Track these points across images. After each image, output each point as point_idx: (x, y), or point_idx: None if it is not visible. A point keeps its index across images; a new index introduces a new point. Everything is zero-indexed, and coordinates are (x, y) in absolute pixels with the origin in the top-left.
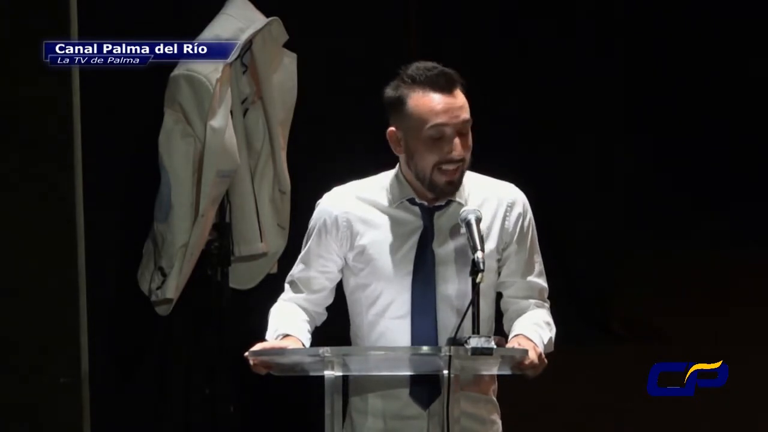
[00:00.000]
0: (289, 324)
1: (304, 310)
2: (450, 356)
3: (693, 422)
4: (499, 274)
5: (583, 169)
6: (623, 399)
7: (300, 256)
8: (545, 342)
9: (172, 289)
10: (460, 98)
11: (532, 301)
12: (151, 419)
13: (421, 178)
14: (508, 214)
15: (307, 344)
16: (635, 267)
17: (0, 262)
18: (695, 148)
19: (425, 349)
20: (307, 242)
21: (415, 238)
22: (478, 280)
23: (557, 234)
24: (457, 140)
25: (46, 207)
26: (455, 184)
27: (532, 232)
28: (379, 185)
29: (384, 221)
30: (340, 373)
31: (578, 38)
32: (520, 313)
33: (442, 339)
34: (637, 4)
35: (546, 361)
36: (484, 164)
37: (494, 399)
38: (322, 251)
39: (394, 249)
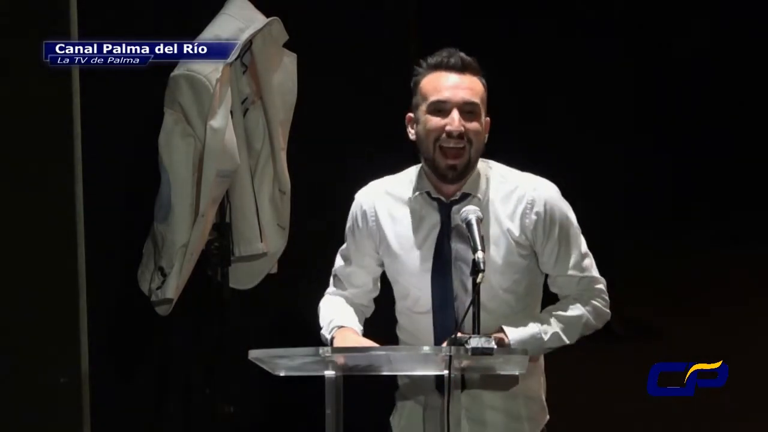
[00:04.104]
0: (340, 315)
1: (351, 304)
2: (450, 356)
3: (693, 422)
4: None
5: (584, 168)
6: (623, 399)
7: (340, 250)
8: (532, 333)
9: (172, 289)
10: (469, 80)
11: (570, 294)
12: (151, 419)
13: (428, 160)
14: (527, 212)
15: (360, 333)
16: (635, 267)
17: (0, 262)
18: (696, 148)
19: (426, 349)
20: (346, 237)
21: (435, 233)
22: (478, 280)
23: None
24: (455, 115)
25: (46, 207)
26: (458, 169)
27: (560, 228)
28: (408, 178)
29: (407, 216)
30: (341, 373)
31: (579, 37)
32: None
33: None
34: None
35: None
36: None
37: (542, 399)
38: (359, 246)
39: (416, 245)
